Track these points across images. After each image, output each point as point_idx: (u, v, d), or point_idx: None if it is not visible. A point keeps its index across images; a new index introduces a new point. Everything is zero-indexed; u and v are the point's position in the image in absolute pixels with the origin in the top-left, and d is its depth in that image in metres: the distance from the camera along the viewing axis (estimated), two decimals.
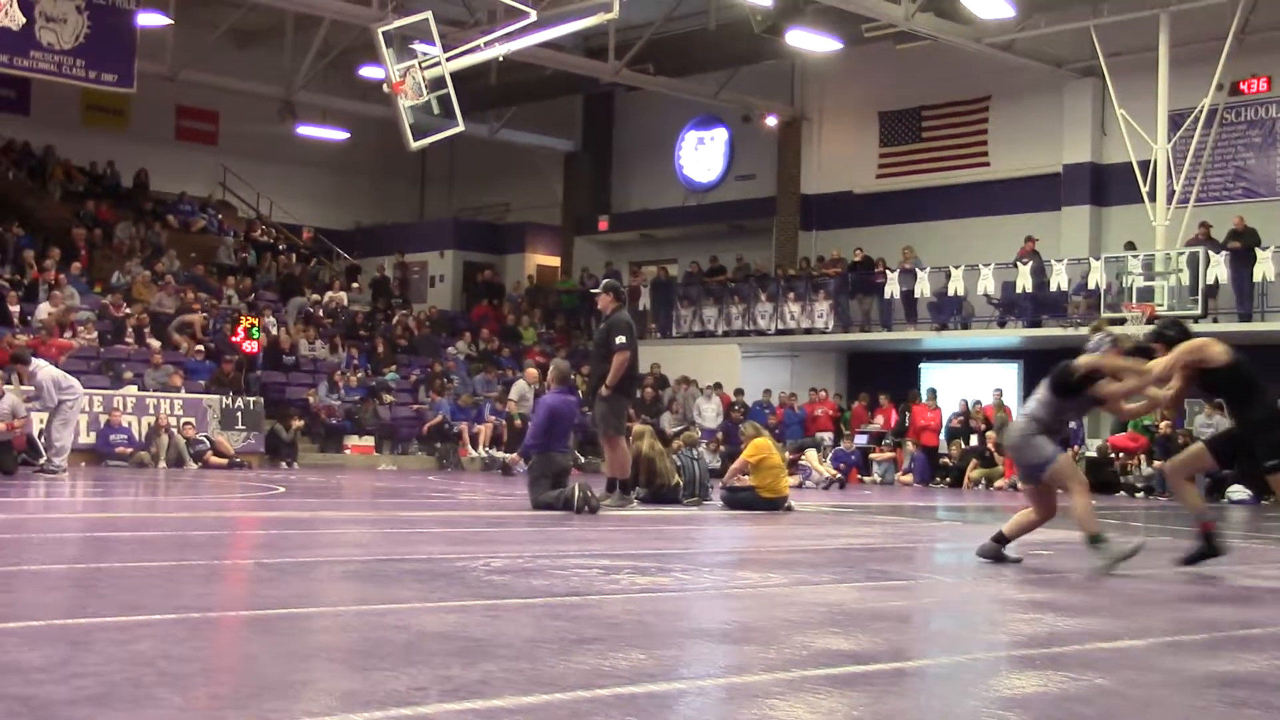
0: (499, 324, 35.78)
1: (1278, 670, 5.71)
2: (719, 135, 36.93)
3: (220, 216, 36.58)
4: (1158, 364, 9.08)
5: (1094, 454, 27.16)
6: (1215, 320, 25.85)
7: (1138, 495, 24.71)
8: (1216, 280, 25.42)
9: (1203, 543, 9.34)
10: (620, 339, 14.95)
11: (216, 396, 25.81)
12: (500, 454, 26.69)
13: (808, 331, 31.48)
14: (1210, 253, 25.40)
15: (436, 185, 43.32)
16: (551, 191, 40.38)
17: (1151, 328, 9.47)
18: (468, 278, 39.33)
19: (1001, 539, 9.59)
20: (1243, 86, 27.37)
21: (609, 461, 15.43)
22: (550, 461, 14.49)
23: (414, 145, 22.29)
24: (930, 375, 30.76)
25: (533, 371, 26.96)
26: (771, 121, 34.58)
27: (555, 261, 40.39)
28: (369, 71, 29.96)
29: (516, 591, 7.14)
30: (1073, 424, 25.87)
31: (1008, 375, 29.94)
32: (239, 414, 25.77)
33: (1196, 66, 25.68)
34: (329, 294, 33.79)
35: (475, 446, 27.85)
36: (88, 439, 23.68)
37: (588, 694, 4.48)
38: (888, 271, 30.33)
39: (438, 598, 6.77)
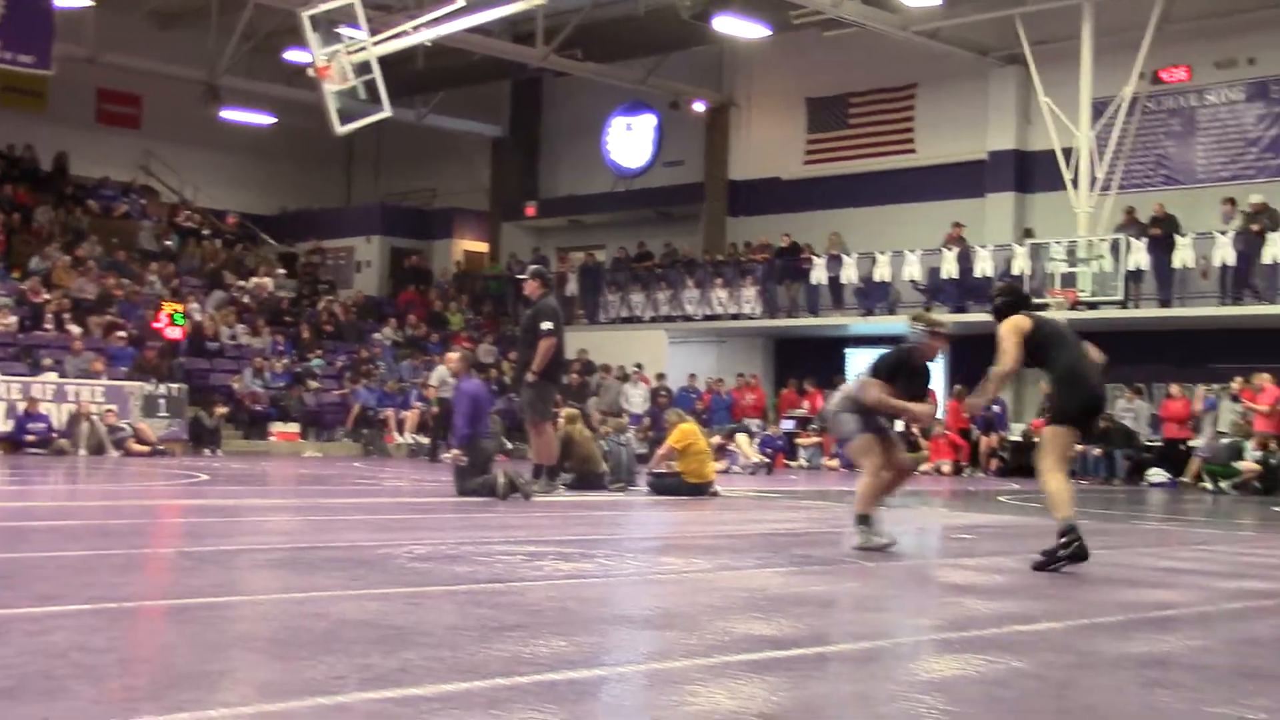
0: (426, 310, 35.60)
1: (1191, 651, 5.79)
2: (647, 121, 36.90)
3: (144, 201, 36.11)
4: (1005, 356, 9.17)
5: (1018, 437, 27.42)
6: (1137, 306, 26.16)
7: None
8: (1138, 266, 25.70)
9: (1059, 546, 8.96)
10: (547, 324, 14.92)
11: (139, 383, 25.51)
12: (425, 439, 26.57)
13: (735, 317, 31.55)
14: (1131, 239, 25.70)
15: (363, 170, 43.01)
16: (479, 177, 40.20)
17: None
18: (394, 263, 39.10)
19: (863, 519, 9.55)
20: (1163, 75, 27.68)
21: (535, 447, 15.40)
22: (477, 449, 14.45)
23: (340, 130, 22.10)
24: (856, 360, 30.88)
25: (452, 356, 26.79)
26: (699, 108, 34.59)
27: (483, 247, 40.23)
28: (295, 55, 29.66)
29: (439, 578, 7.11)
30: (996, 407, 26.27)
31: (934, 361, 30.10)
32: (162, 401, 25.48)
33: (1119, 55, 25.94)
34: (254, 280, 33.48)
35: (401, 432, 27.72)
36: (5, 427, 23.34)
37: (508, 681, 4.47)
38: (814, 257, 30.43)
39: (359, 585, 6.73)
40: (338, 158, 41.65)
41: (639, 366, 30.99)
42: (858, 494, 9.56)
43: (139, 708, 3.91)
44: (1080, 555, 8.38)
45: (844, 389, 9.94)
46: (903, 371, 9.65)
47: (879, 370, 9.59)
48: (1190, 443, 24.41)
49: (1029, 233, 28.28)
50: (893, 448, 9.75)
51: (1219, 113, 27.89)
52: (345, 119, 22.02)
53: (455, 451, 14.66)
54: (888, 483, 9.68)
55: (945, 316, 28.43)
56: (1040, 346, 8.96)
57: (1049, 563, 8.42)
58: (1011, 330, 8.92)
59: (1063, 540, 8.42)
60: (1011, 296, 9.39)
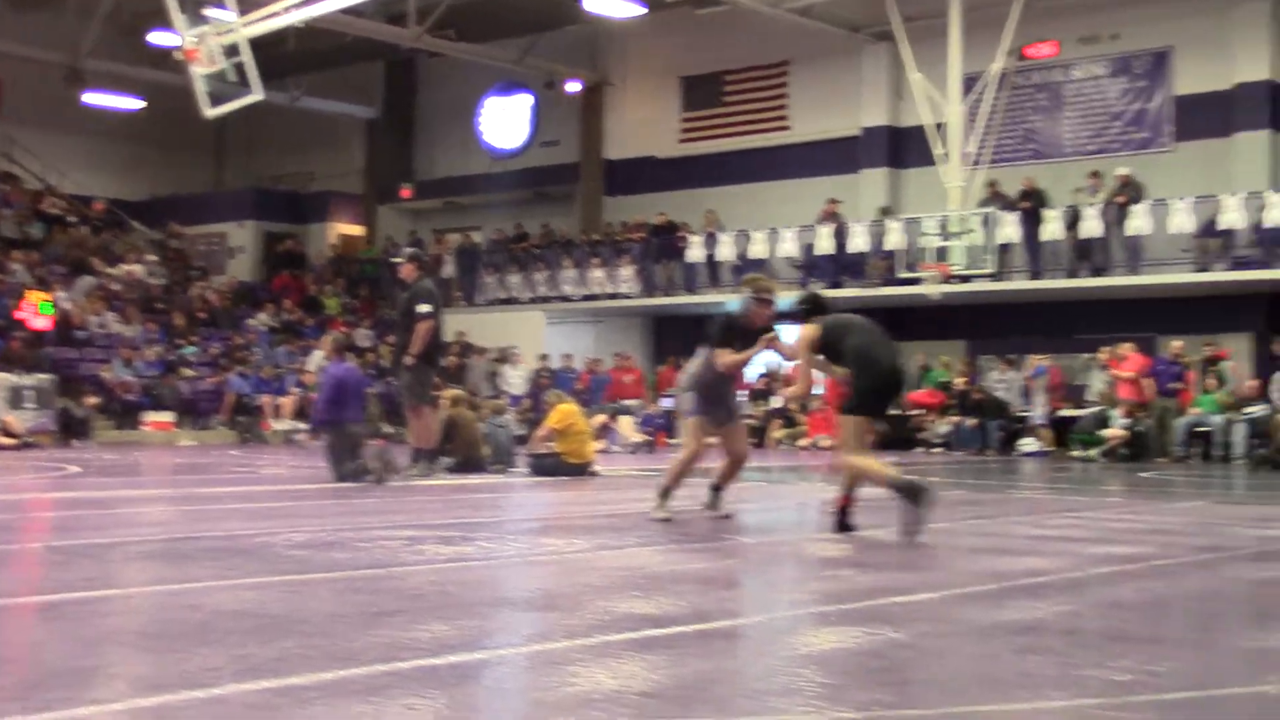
0: (301, 294, 35.18)
1: (1062, 617, 5.92)
2: (522, 101, 36.72)
3: (5, 188, 35.23)
4: (800, 378, 9.84)
5: (895, 410, 27.78)
6: (1008, 279, 26.58)
7: (934, 451, 25.33)
8: (1009, 240, 26.10)
9: (838, 517, 9.26)
10: (424, 307, 14.84)
11: (4, 375, 24.90)
12: (300, 426, 26.28)
13: (612, 297, 31.57)
14: (1001, 212, 26.09)
15: (235, 154, 42.32)
16: (354, 159, 39.76)
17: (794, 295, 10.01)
18: (268, 248, 38.54)
19: (715, 487, 10.38)
20: (1030, 52, 28.11)
21: (414, 431, 15.32)
22: (345, 434, 14.34)
23: (210, 113, 21.73)
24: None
25: (328, 340, 26.50)
26: (574, 87, 34.50)
27: (358, 230, 39.80)
28: (161, 37, 29.07)
29: (317, 566, 7.05)
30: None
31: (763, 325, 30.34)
32: (29, 392, 24.91)
33: (987, 31, 26.28)
34: (124, 266, 32.84)
35: (278, 419, 27.38)
36: None
37: (388, 667, 4.45)
38: (690, 236, 30.55)
39: (235, 575, 6.65)
40: (208, 141, 40.91)
41: (506, 350, 30.85)
42: (670, 469, 10.14)
43: (5, 709, 3.82)
44: (918, 489, 8.56)
45: (689, 366, 10.28)
46: (735, 335, 10.06)
47: (715, 339, 10.04)
48: (1026, 413, 25.06)
49: (886, 211, 28.59)
50: (733, 435, 10.06)
51: (1084, 88, 28.44)
52: (215, 102, 21.66)
53: (304, 433, 14.67)
54: (724, 470, 10.03)
55: (789, 288, 28.75)
56: (829, 345, 9.32)
57: (914, 525, 8.55)
58: (803, 347, 9.41)
59: (902, 493, 8.60)
60: (810, 305, 9.65)
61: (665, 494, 10.07)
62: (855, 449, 9.06)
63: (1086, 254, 25.78)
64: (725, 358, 9.91)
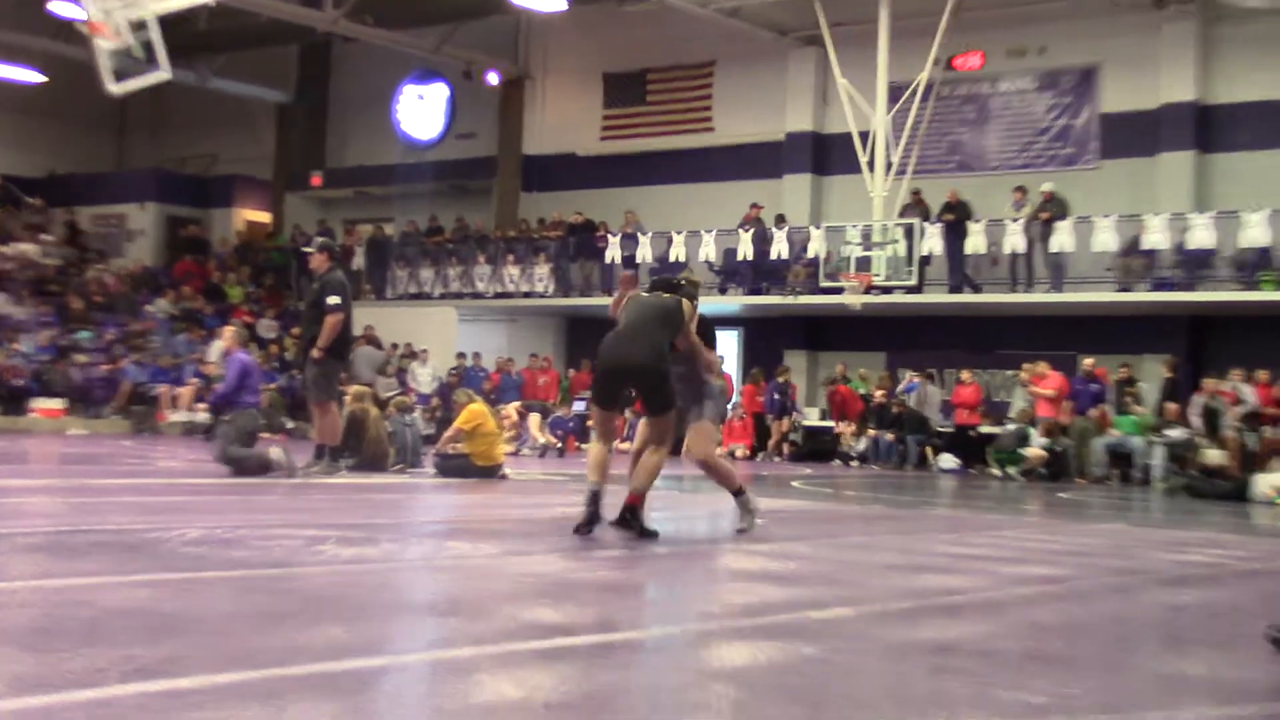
0: (204, 281, 34.76)
1: (978, 636, 5.95)
2: (439, 91, 36.54)
3: None
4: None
5: (812, 421, 27.95)
6: (930, 292, 26.78)
7: (852, 464, 25.50)
8: (930, 252, 26.31)
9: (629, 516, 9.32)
10: (334, 299, 14.71)
11: None
12: (201, 416, 25.96)
13: (527, 295, 31.48)
14: (925, 224, 26.29)
15: (139, 133, 41.75)
16: (263, 144, 39.35)
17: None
18: (171, 232, 38.07)
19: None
20: (957, 62, 28.40)
21: (318, 427, 15.18)
22: (244, 416, 14.24)
23: (114, 90, 21.38)
24: None
25: (230, 330, 26.18)
26: (493, 79, 34.36)
27: (265, 218, 39.42)
28: (64, 8, 28.58)
29: (213, 564, 6.94)
30: (777, 394, 26.75)
31: (728, 343, 30.48)
32: None
33: (915, 40, 26.51)
34: (16, 245, 32.27)
35: (175, 410, 27.02)
36: None
37: (284, 671, 4.37)
38: (609, 235, 30.54)
39: (127, 572, 6.53)
40: (111, 119, 40.36)
41: (398, 346, 30.70)
42: (717, 473, 10.03)
43: None
44: (590, 521, 9.14)
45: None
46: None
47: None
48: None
49: (780, 219, 28.71)
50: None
51: (1011, 101, 28.75)
52: (120, 79, 21.31)
53: (201, 405, 14.64)
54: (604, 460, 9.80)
55: (740, 298, 28.90)
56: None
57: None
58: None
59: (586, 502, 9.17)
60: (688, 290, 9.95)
61: (741, 494, 10.03)
62: (596, 436, 9.77)
63: (1012, 270, 26.04)
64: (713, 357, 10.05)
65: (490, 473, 15.71)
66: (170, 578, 6.41)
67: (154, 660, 4.44)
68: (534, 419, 25.23)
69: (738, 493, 10.04)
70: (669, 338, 9.51)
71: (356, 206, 38.17)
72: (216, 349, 24.55)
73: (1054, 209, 25.47)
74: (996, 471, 23.15)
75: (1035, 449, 22.66)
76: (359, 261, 33.71)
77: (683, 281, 10.01)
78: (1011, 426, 23.67)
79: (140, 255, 37.00)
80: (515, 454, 22.10)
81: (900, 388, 26.10)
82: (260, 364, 28.29)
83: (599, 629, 5.64)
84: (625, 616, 6.18)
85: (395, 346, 31.07)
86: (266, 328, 31.75)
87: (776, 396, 27.02)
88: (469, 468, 15.68)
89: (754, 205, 29.26)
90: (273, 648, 4.77)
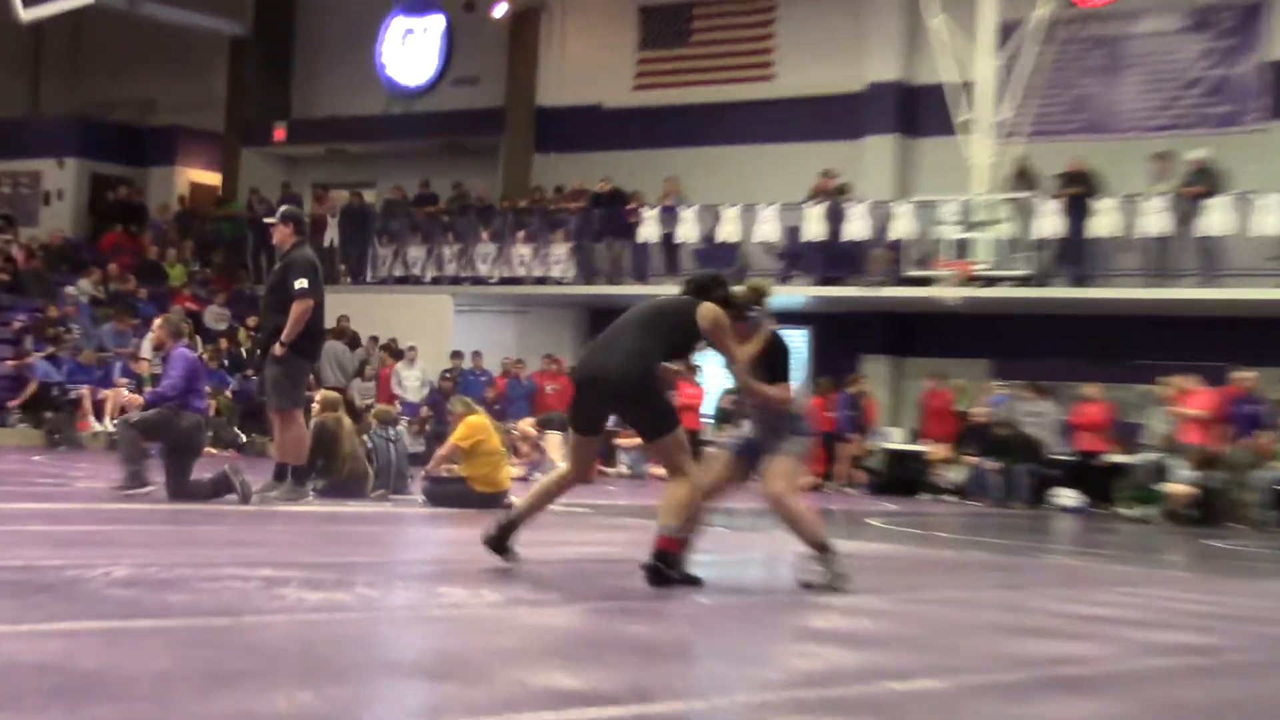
0: (137, 258, 34.90)
1: (1103, 718, 5.92)
2: (433, 25, 36.63)
3: None
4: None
5: (895, 445, 27.83)
6: (1046, 285, 26.68)
7: (944, 499, 25.41)
8: (1047, 234, 26.18)
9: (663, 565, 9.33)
10: (302, 283, 14.72)
11: None
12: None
13: (540, 281, 31.50)
14: (1040, 199, 26.18)
15: (56, 73, 41.97)
16: (212, 88, 39.50)
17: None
18: (96, 195, 38.25)
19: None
20: None
21: (279, 442, 15.21)
22: (184, 423, 14.34)
23: (24, 16, 21.56)
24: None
25: (161, 320, 26.28)
26: (500, 10, 34.45)
27: (215, 179, 39.60)
28: None
29: (146, 610, 6.97)
30: (849, 409, 26.68)
31: (792, 344, 30.39)
32: None
33: None
34: None
35: (100, 418, 27.13)
36: None
37: None
38: (644, 209, 30.54)
39: (36, 618, 6.56)
40: (24, 57, 40.61)
41: (378, 340, 30.80)
42: (795, 520, 9.88)
43: None
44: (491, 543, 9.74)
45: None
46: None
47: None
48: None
49: (843, 190, 28.66)
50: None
51: (1152, 45, 28.59)
52: (30, 3, 21.46)
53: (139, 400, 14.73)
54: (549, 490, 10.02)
55: (807, 289, 28.87)
56: None
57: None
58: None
59: None
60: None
61: (824, 550, 9.79)
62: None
63: (1149, 257, 25.92)
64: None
65: (492, 501, 15.70)
66: (91, 626, 6.44)
67: None
68: (553, 439, 25.24)
69: (820, 548, 9.82)
70: (662, 348, 9.55)
71: (329, 167, 38.31)
72: (151, 343, 24.71)
73: (1205, 182, 25.34)
74: (1129, 512, 23.04)
75: (1178, 484, 22.48)
76: (332, 236, 33.83)
77: (720, 281, 9.98)
78: (1148, 456, 23.44)
79: (58, 223, 37.18)
80: (525, 479, 22.12)
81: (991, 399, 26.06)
82: (207, 362, 28.47)
83: (628, 699, 5.63)
84: (660, 684, 6.17)
85: (374, 341, 31.14)
86: (215, 316, 31.86)
87: (849, 412, 26.90)
88: (467, 495, 15.69)
89: (825, 173, 29.22)
90: (221, 715, 4.78)
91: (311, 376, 16.56)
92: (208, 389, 17.07)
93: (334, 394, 18.00)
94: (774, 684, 6.34)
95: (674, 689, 6.13)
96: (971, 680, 6.57)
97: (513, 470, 18.07)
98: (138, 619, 6.70)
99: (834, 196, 28.65)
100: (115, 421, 26.84)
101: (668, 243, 30.12)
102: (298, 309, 14.67)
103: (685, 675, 6.59)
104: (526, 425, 23.47)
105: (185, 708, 4.88)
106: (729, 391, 28.53)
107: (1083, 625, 8.88)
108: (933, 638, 7.92)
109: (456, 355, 30.37)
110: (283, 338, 14.69)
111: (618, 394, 9.42)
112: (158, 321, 16.11)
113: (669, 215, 30.07)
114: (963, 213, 26.33)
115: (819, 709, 5.65)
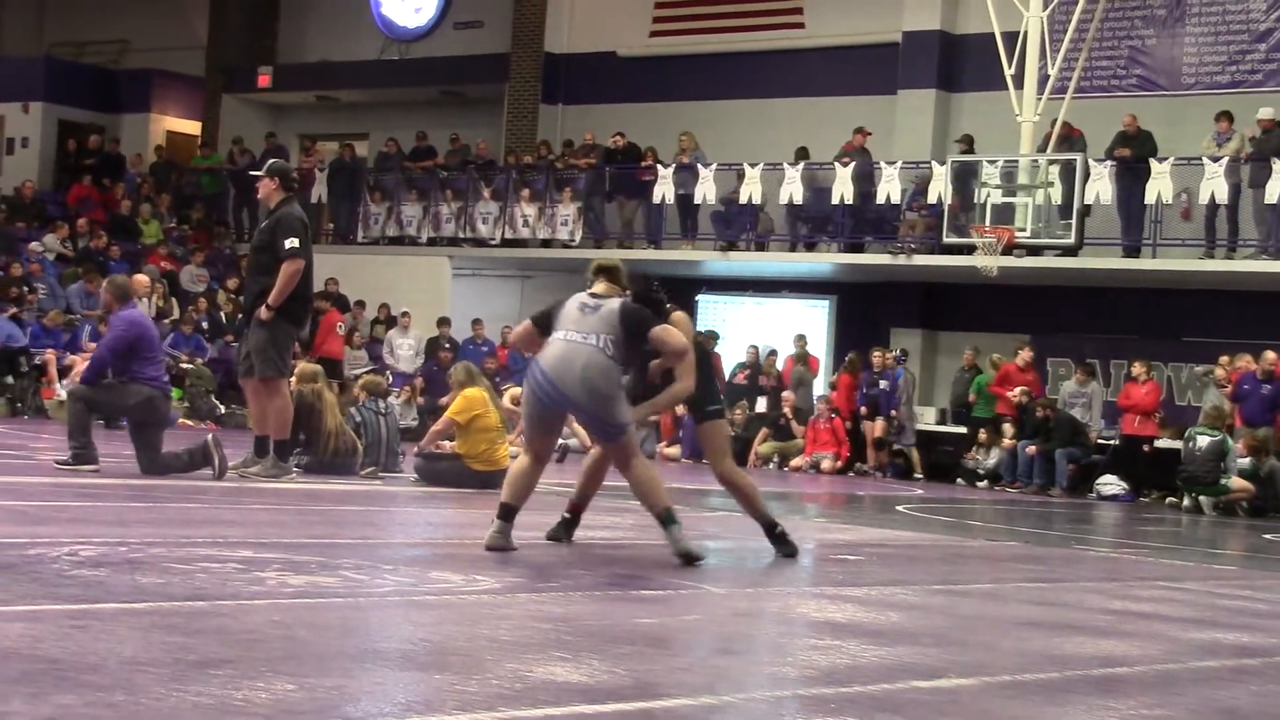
0: (109, 212, 34.90)
1: None
2: None
3: None
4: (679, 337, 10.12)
5: (928, 424, 27.79)
6: (1095, 255, 26.61)
7: (980, 485, 25.40)
8: (1097, 198, 26.12)
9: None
10: (293, 242, 14.71)
11: None
12: None
13: (546, 243, 31.48)
14: (1092, 161, 26.09)
15: (21, 9, 41.98)
16: (191, 29, 39.50)
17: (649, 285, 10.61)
18: (64, 144, 38.25)
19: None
20: None
21: (259, 413, 15.21)
22: (124, 392, 14.38)
23: None
24: (711, 311, 31.06)
25: (142, 279, 26.26)
26: None
27: (194, 128, 39.59)
28: None
29: (114, 592, 7.01)
30: (883, 383, 26.64)
31: (815, 315, 30.46)
32: None
33: None
34: None
35: (66, 384, 27.20)
36: None
37: None
38: (659, 166, 30.49)
39: None
40: None
41: (364, 305, 30.82)
42: (648, 490, 10.21)
43: None
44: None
45: (598, 360, 10.15)
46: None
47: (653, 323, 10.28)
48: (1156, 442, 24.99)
49: (802, 152, 28.75)
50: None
51: None
52: None
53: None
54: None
55: (833, 255, 28.86)
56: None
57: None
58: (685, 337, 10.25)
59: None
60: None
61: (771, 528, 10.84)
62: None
63: (1208, 226, 25.84)
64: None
65: (490, 481, 15.71)
66: (56, 609, 6.47)
67: (35, 719, 4.50)
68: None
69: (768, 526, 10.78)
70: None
71: (318, 116, 38.30)
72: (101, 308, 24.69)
73: (1273, 144, 25.24)
74: (1181, 501, 22.97)
75: (1239, 480, 22.32)
76: (320, 191, 33.80)
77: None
78: (1201, 439, 23.11)
79: (22, 173, 37.16)
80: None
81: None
82: (182, 328, 28.52)
83: (633, 694, 5.66)
84: (668, 678, 6.20)
85: (361, 306, 31.15)
86: (193, 277, 31.87)
87: (882, 386, 26.78)
88: (462, 473, 15.72)
89: (859, 130, 29.16)
90: (194, 706, 4.81)
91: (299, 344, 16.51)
92: (181, 356, 17.07)
93: (312, 365, 17.98)
94: (791, 680, 6.37)
95: (683, 684, 6.17)
96: (1003, 679, 6.61)
97: (511, 448, 18.06)
98: (104, 602, 6.72)
99: (868, 157, 28.59)
100: (66, 389, 27.05)
101: (684, 203, 30.07)
102: (287, 270, 14.66)
103: (695, 669, 6.63)
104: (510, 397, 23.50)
105: (158, 697, 4.90)
106: (742, 366, 28.71)
107: (1123, 622, 8.91)
108: (962, 633, 7.95)
109: (444, 322, 30.26)
110: (270, 300, 14.71)
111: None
112: (104, 283, 15.97)
113: (686, 174, 30.02)
114: (1005, 175, 26.27)
115: (840, 708, 5.68)
